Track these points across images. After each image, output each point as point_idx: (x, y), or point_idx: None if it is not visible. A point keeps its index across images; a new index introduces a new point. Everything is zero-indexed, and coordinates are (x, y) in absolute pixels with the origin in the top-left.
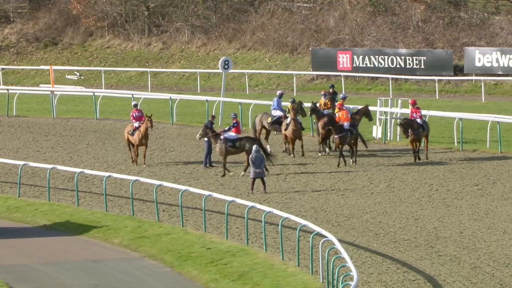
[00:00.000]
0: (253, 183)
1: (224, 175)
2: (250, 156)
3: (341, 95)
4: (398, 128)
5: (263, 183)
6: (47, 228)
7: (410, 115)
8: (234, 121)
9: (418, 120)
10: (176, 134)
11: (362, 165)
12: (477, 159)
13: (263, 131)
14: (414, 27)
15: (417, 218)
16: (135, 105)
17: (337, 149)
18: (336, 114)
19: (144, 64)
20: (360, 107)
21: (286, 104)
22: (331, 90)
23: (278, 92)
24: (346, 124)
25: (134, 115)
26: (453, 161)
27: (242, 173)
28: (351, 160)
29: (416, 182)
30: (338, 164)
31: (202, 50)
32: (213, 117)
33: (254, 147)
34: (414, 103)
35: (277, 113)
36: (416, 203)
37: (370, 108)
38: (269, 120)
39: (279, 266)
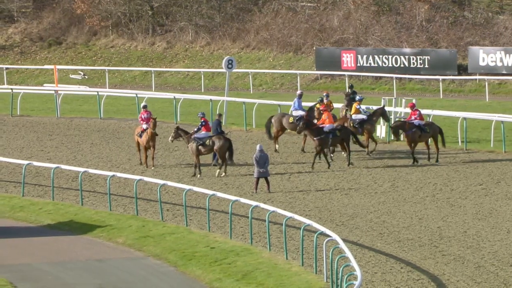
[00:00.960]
0: (257, 183)
1: (194, 175)
2: (254, 155)
3: (358, 97)
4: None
5: (267, 182)
6: (51, 228)
7: (408, 117)
8: (202, 120)
9: (416, 122)
10: None
11: (366, 165)
12: (481, 158)
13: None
14: (418, 27)
15: (421, 218)
16: (144, 107)
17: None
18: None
19: (148, 63)
20: (376, 107)
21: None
22: (349, 91)
23: (298, 92)
24: (327, 127)
25: (142, 116)
26: (457, 160)
27: (217, 172)
28: (346, 163)
29: (420, 182)
30: (329, 165)
31: (206, 50)
32: (220, 115)
33: (258, 146)
34: (412, 106)
35: (299, 113)
36: (420, 202)
37: (374, 107)
38: (291, 120)
39: (283, 265)
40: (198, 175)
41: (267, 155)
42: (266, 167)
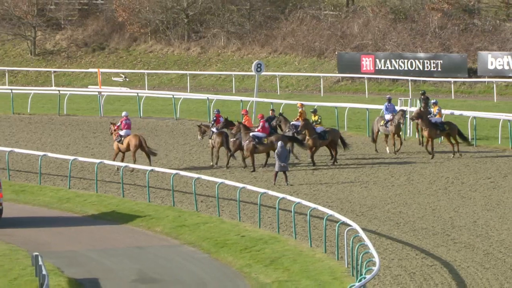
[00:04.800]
0: (276, 175)
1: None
2: (276, 150)
3: (433, 101)
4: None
5: (285, 176)
6: (95, 218)
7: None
8: (215, 116)
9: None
10: None
11: (383, 160)
12: (490, 154)
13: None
14: (431, 33)
15: (434, 209)
16: (126, 115)
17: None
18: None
19: (184, 67)
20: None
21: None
22: (422, 97)
23: (387, 97)
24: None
25: (123, 122)
26: (467, 156)
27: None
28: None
29: (434, 176)
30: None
31: (237, 54)
32: (273, 110)
33: (279, 142)
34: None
35: (388, 116)
36: (433, 194)
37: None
38: (382, 123)
39: (307, 252)
40: (227, 166)
41: (288, 150)
42: (287, 161)
